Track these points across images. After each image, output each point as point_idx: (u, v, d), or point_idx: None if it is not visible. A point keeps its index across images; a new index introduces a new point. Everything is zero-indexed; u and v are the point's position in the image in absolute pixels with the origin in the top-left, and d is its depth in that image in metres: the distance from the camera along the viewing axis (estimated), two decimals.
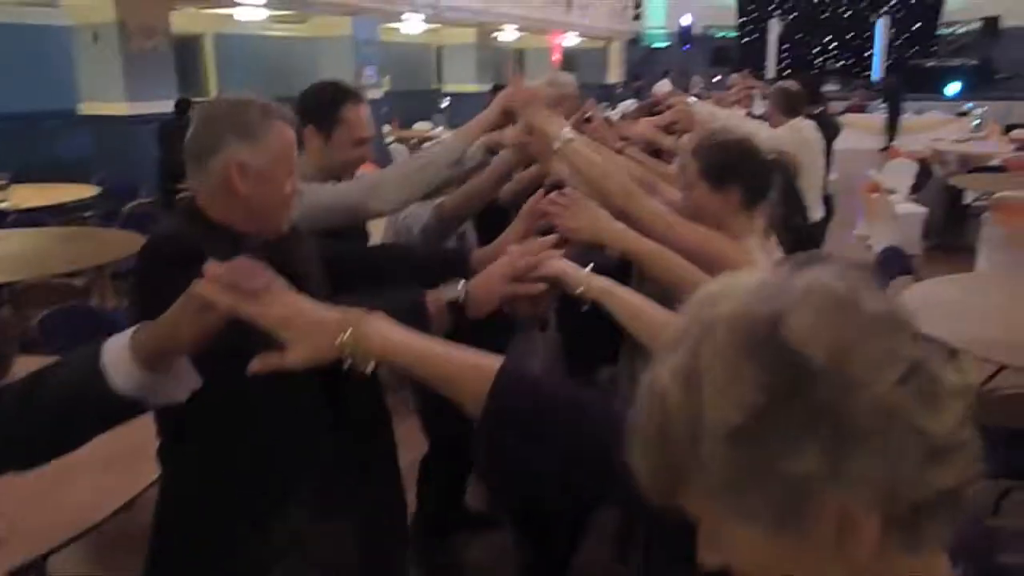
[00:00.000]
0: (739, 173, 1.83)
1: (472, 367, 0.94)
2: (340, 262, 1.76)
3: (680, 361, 0.56)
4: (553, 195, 1.69)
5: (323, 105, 2.04)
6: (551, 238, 1.46)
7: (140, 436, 1.83)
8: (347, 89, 2.10)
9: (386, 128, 11.97)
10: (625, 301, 1.35)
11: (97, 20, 7.92)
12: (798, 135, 3.98)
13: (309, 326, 0.96)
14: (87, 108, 8.31)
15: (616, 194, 1.78)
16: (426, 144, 10.07)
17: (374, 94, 11.41)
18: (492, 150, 2.10)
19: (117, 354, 1.01)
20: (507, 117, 2.01)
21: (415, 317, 1.34)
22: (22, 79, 8.88)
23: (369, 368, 0.96)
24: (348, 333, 0.95)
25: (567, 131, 1.86)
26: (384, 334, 0.96)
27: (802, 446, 0.52)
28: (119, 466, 2.06)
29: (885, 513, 0.52)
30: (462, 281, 1.38)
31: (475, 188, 2.21)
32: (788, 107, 4.20)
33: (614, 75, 21.67)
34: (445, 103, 13.39)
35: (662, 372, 0.56)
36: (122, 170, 7.62)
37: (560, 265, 1.37)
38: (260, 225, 1.46)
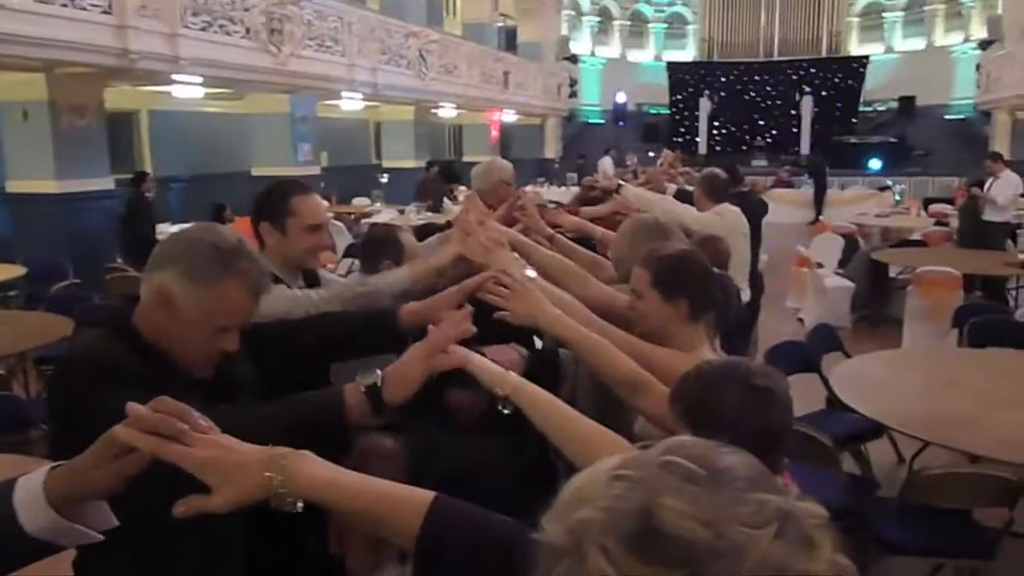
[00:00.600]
0: (689, 286, 1.93)
1: (402, 503, 0.93)
2: (275, 338, 1.75)
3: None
4: (497, 278, 1.72)
5: (274, 201, 2.16)
6: (466, 310, 1.45)
7: None
8: (294, 183, 2.26)
9: (324, 204, 11.95)
10: (539, 401, 1.33)
11: (28, 97, 7.81)
12: (723, 220, 4.10)
13: (234, 467, 0.94)
14: (13, 186, 8.12)
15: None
16: (364, 220, 10.12)
17: (311, 171, 11.43)
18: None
19: (30, 495, 0.96)
20: (460, 260, 2.08)
21: (333, 411, 1.34)
22: None
23: (297, 507, 0.94)
24: (275, 473, 0.93)
25: (529, 272, 1.94)
26: (311, 472, 0.95)
27: None
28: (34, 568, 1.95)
29: None
30: (378, 370, 1.35)
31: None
32: (713, 192, 4.34)
33: (551, 150, 22.18)
34: (384, 179, 13.47)
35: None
36: (50, 250, 7.43)
37: (476, 363, 1.36)
38: (184, 362, 1.41)
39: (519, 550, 0.89)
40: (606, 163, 16.16)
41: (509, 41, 21.31)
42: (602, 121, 24.36)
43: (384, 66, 12.83)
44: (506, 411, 1.33)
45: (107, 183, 8.35)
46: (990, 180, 8.48)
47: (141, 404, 0.95)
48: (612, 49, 25.89)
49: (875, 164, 19.48)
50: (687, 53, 25.85)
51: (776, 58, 24.63)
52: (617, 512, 0.54)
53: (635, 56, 26.02)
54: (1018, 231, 8.97)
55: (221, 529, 1.30)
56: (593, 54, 25.33)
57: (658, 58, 25.72)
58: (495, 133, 19.15)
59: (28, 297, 6.86)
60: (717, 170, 4.64)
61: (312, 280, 2.24)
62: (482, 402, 1.97)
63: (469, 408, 2.05)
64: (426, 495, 0.93)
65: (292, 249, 2.15)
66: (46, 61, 7.22)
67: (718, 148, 21.59)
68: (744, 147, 21.93)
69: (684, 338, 1.89)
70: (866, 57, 23.31)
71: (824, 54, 24.48)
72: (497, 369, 1.36)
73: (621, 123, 21.79)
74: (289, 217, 2.13)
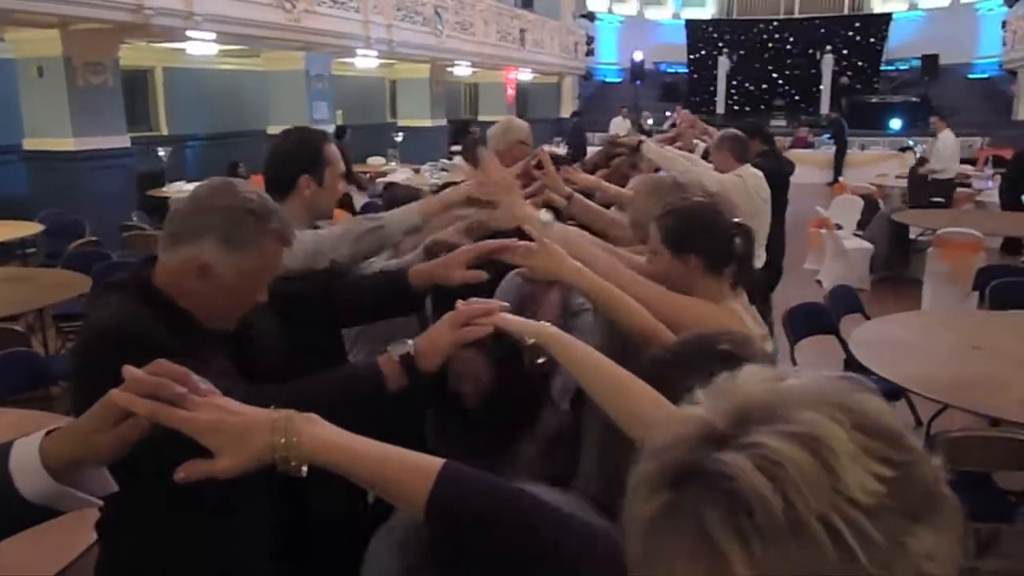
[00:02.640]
0: (700, 240, 1.88)
1: (411, 469, 0.91)
2: (296, 299, 1.76)
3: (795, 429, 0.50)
4: (513, 241, 1.70)
5: (311, 152, 2.12)
6: (493, 302, 1.43)
7: None
8: (321, 131, 2.24)
9: None
10: (573, 349, 1.32)
11: (42, 54, 7.77)
12: (744, 183, 4.03)
13: (238, 431, 0.91)
14: (31, 144, 8.13)
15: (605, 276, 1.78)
16: (379, 179, 10.08)
17: (326, 128, 11.37)
18: (432, 253, 2.12)
19: (26, 460, 0.94)
20: (471, 202, 2.07)
21: (373, 381, 1.37)
22: None
23: (303, 471, 0.92)
24: (280, 436, 0.91)
25: (544, 214, 1.92)
26: (317, 435, 0.92)
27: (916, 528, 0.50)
28: (55, 530, 1.97)
29: None
30: (408, 340, 1.37)
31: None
32: (735, 152, 4.26)
33: (567, 110, 21.92)
34: (399, 138, 13.39)
35: (770, 443, 0.50)
36: (67, 208, 7.45)
37: (504, 318, 1.35)
38: (208, 319, 1.42)
39: (535, 516, 0.89)
40: (617, 123, 15.96)
41: None
42: (619, 80, 24.05)
43: (399, 23, 12.67)
44: (540, 361, 1.31)
45: (123, 141, 8.35)
46: (932, 139, 9.14)
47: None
48: (630, 6, 25.46)
49: (896, 124, 19.17)
50: (706, 11, 25.36)
51: (797, 15, 24.15)
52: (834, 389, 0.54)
53: (653, 13, 25.58)
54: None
55: (244, 489, 1.30)
56: (611, 11, 24.92)
57: (676, 16, 25.28)
58: (511, 92, 18.95)
59: (47, 255, 6.90)
60: (736, 130, 4.55)
61: None
62: (487, 370, 1.95)
63: (476, 376, 2.01)
64: (436, 461, 0.91)
65: (327, 199, 2.15)
66: (61, 17, 7.16)
67: (736, 108, 21.29)
68: (763, 106, 21.60)
69: (705, 293, 1.85)
70: (889, 14, 22.81)
71: (846, 11, 23.98)
72: (529, 320, 1.35)
73: (639, 82, 21.49)
74: (326, 167, 2.11)
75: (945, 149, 9.21)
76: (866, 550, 0.47)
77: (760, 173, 4.23)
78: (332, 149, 2.15)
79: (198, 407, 0.92)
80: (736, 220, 1.93)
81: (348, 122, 13.72)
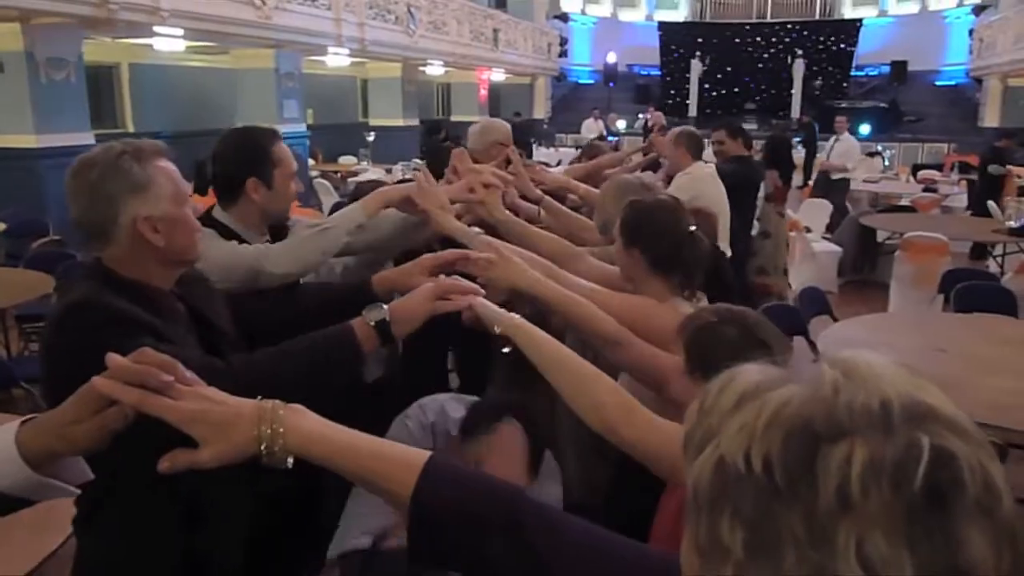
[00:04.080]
0: (645, 237, 1.92)
1: (396, 462, 0.90)
2: (253, 316, 1.75)
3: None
4: (473, 253, 1.70)
5: (257, 153, 2.00)
6: (475, 286, 1.47)
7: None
8: (267, 130, 2.10)
9: (310, 162, 11.81)
10: (538, 340, 1.35)
11: (3, 48, 7.61)
12: (693, 181, 4.00)
13: (222, 421, 0.90)
14: None
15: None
16: (351, 179, 10.01)
17: (297, 128, 11.26)
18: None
19: (1, 451, 0.92)
20: (408, 204, 2.09)
21: (346, 344, 1.41)
22: None
23: (288, 463, 0.91)
24: (266, 428, 0.90)
25: (475, 230, 1.97)
26: (303, 427, 0.91)
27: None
28: (22, 530, 1.93)
29: None
30: (384, 306, 1.42)
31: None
32: (696, 152, 4.28)
33: (540, 110, 21.95)
34: (371, 137, 13.31)
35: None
36: (29, 206, 7.30)
37: (479, 302, 1.39)
38: (179, 262, 1.47)
39: (521, 512, 0.87)
40: (589, 125, 16.00)
41: None
42: (592, 82, 24.11)
43: (371, 21, 12.60)
44: (506, 350, 1.36)
45: (87, 138, 8.17)
46: (833, 138, 9.89)
47: (152, 348, 0.93)
48: (603, 8, 25.55)
49: (865, 129, 19.39)
50: (679, 13, 25.53)
51: (769, 20, 24.38)
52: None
53: (627, 15, 25.70)
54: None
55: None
56: (584, 12, 24.99)
57: (650, 18, 25.41)
58: (484, 92, 18.92)
59: (8, 255, 6.75)
60: (691, 128, 4.60)
61: (281, 234, 2.10)
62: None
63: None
64: (421, 454, 0.90)
65: (278, 202, 2.03)
66: (22, 10, 7.02)
67: (708, 110, 21.42)
68: (735, 110, 21.77)
69: (651, 290, 1.90)
70: (859, 20, 23.10)
71: (817, 17, 24.26)
72: (498, 309, 1.38)
73: (611, 84, 21.56)
74: (275, 168, 1.99)
75: (843, 150, 9.72)
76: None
77: (711, 167, 4.25)
78: (281, 148, 2.03)
79: (183, 396, 0.90)
80: (691, 229, 1.94)
81: (319, 122, 13.61)
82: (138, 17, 7.98)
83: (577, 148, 5.07)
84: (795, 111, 20.32)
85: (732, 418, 0.54)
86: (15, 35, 7.50)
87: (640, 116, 18.81)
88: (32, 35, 7.55)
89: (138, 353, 0.91)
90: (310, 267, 2.04)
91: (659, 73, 23.71)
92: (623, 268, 1.97)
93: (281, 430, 0.90)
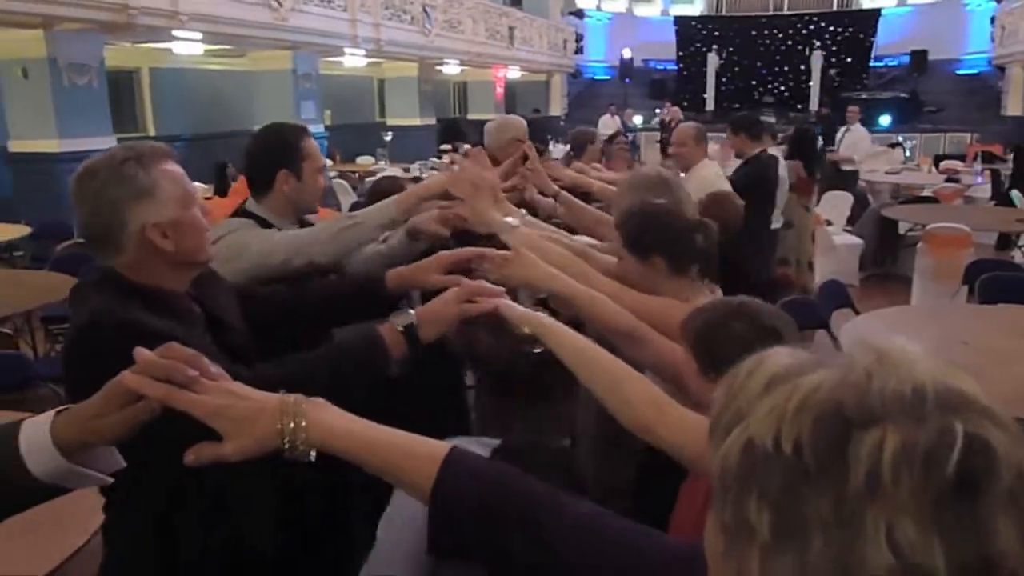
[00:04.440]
0: (660, 242, 1.91)
1: (417, 454, 0.91)
2: (269, 308, 1.79)
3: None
4: (489, 250, 1.70)
5: (288, 147, 2.11)
6: (499, 288, 1.46)
7: (64, 499, 1.76)
8: (296, 126, 2.22)
9: (328, 163, 11.87)
10: (568, 339, 1.33)
11: (27, 55, 7.71)
12: (703, 184, 4.00)
13: (247, 415, 0.92)
14: (15, 146, 8.07)
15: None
16: (368, 179, 10.04)
17: (315, 129, 11.32)
18: (414, 235, 2.16)
19: (36, 438, 0.95)
20: (445, 196, 2.07)
21: (374, 349, 1.42)
22: None
23: (311, 456, 0.92)
24: (289, 421, 0.91)
25: (511, 219, 1.91)
26: (325, 421, 0.93)
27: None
28: (45, 530, 1.96)
29: None
30: (411, 311, 1.43)
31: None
32: (701, 141, 4.29)
33: (556, 107, 21.93)
34: (388, 137, 13.35)
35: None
36: (53, 210, 7.39)
37: (505, 304, 1.38)
38: (190, 264, 1.48)
39: (543, 505, 0.88)
40: (605, 121, 15.96)
41: None
42: (608, 77, 24.05)
43: (387, 22, 12.64)
44: (536, 351, 1.34)
45: (109, 142, 8.26)
46: (844, 128, 9.87)
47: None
48: (618, 4, 25.45)
49: (885, 120, 19.21)
50: (695, 7, 25.38)
51: (786, 11, 24.18)
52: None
53: (642, 11, 25.58)
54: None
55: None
56: (599, 8, 24.92)
57: (665, 13, 25.29)
58: (500, 90, 18.92)
59: (33, 257, 6.85)
60: (697, 124, 4.64)
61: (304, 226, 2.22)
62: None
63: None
64: (443, 446, 0.91)
65: (307, 193, 2.14)
66: (45, 16, 7.10)
67: (726, 104, 21.31)
68: (752, 103, 21.64)
69: (672, 292, 1.87)
70: (878, 10, 22.85)
71: (835, 7, 24.03)
72: (525, 309, 1.37)
73: (627, 80, 21.49)
74: (304, 161, 2.11)
75: (851, 141, 9.70)
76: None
77: (714, 164, 4.27)
78: (309, 143, 2.14)
79: (208, 391, 0.92)
80: (698, 218, 1.94)
81: (336, 122, 13.67)
82: (157, 21, 8.06)
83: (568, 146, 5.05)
84: (813, 103, 20.17)
85: (761, 401, 0.54)
86: (38, 41, 7.60)
87: (656, 111, 18.76)
88: (55, 41, 7.65)
89: (165, 348, 0.93)
90: (341, 256, 2.09)
91: (675, 68, 23.58)
92: (639, 282, 1.89)
93: (304, 424, 0.91)
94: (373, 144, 13.34)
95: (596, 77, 24.48)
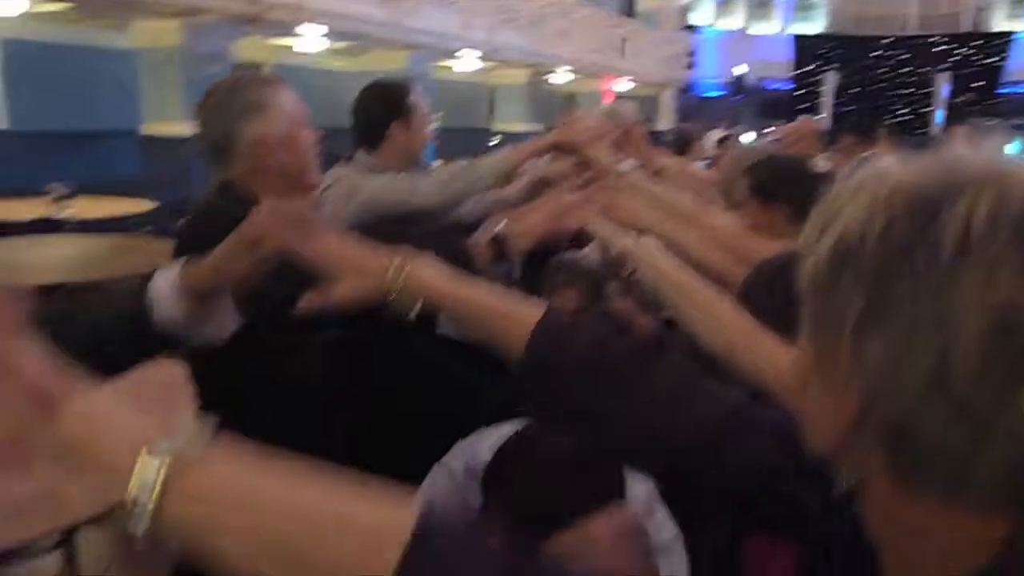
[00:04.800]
0: (785, 189, 1.93)
1: (515, 317, 0.92)
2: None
3: None
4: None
5: (398, 99, 2.23)
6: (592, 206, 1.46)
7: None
8: (404, 80, 2.36)
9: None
10: (658, 262, 1.32)
11: (163, 43, 8.19)
12: None
13: (357, 264, 0.96)
14: (147, 128, 8.56)
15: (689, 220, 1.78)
16: None
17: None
18: (536, 188, 2.17)
19: (165, 286, 1.02)
20: (560, 149, 2.10)
21: (461, 256, 1.41)
22: (88, 98, 9.18)
23: (414, 311, 0.95)
24: (396, 272, 0.94)
25: (627, 163, 1.91)
26: (431, 275, 0.95)
27: None
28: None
29: None
30: (503, 220, 1.44)
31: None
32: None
33: (664, 122, 21.73)
34: (495, 141, 13.52)
35: None
36: (180, 189, 7.80)
37: (597, 221, 1.39)
38: (299, 183, 1.54)
39: (639, 376, 0.87)
40: (713, 135, 15.66)
41: (627, 7, 20.93)
42: (719, 94, 23.70)
43: (501, 26, 12.83)
44: (628, 273, 1.34)
45: None
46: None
47: None
48: (734, 20, 25.09)
49: (1014, 148, 18.23)
50: (815, 26, 24.76)
51: (911, 32, 23.31)
52: None
53: (758, 28, 25.13)
54: None
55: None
56: (714, 25, 24.62)
57: (784, 30, 24.77)
58: (609, 101, 18.90)
59: (158, 231, 7.22)
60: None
61: None
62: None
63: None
64: (538, 311, 0.92)
65: (416, 143, 2.25)
66: (183, 7, 7.53)
67: (840, 126, 20.68)
68: (871, 124, 20.90)
69: (790, 240, 1.83)
70: (1010, 34, 21.77)
71: (964, 29, 23.02)
72: (616, 228, 1.37)
73: (739, 97, 21.13)
74: (413, 112, 2.21)
75: None
76: None
77: None
78: (417, 96, 2.25)
79: (321, 239, 0.97)
80: (818, 171, 1.94)
81: (448, 125, 13.93)
82: (284, 15, 8.42)
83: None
84: (936, 127, 19.36)
85: (854, 198, 0.54)
86: (175, 31, 8.07)
87: (766, 132, 18.34)
88: (190, 31, 8.10)
89: (287, 202, 0.97)
90: (453, 202, 2.13)
91: (789, 86, 23.06)
92: (762, 230, 1.91)
93: (409, 274, 0.94)
94: (481, 148, 13.51)
95: (706, 94, 24.17)
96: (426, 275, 0.95)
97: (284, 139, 1.50)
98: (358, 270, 0.95)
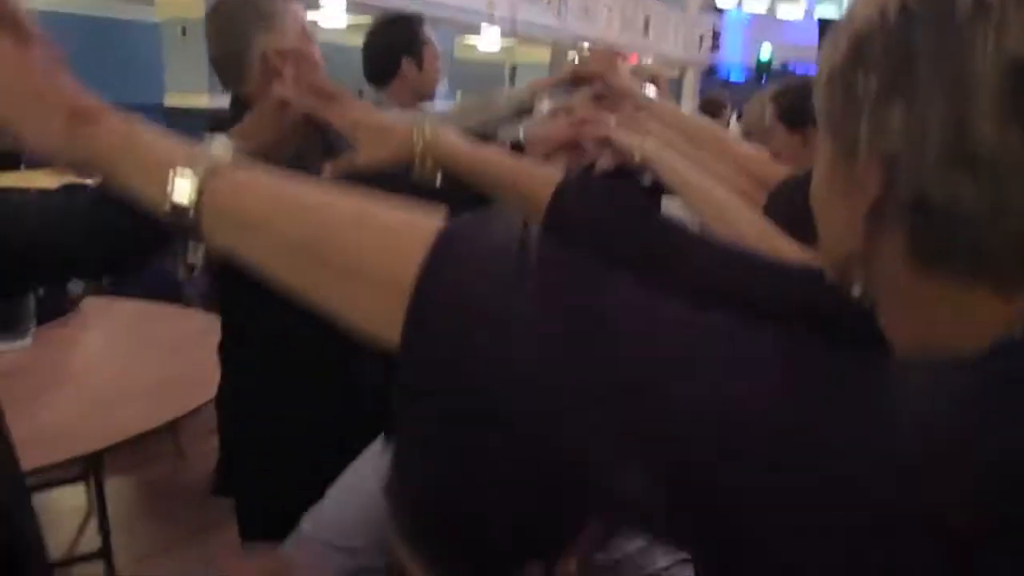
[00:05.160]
0: (808, 115, 1.87)
1: (535, 178, 0.93)
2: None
3: None
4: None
5: (410, 36, 2.20)
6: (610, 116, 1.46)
7: (187, 367, 1.90)
8: (416, 17, 2.29)
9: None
10: (679, 167, 1.33)
11: (187, 15, 8.23)
12: None
13: (383, 128, 0.98)
14: (171, 99, 8.62)
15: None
16: None
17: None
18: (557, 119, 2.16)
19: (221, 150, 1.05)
20: (581, 80, 2.06)
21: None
22: (113, 71, 9.26)
23: (438, 179, 0.97)
24: (419, 136, 0.96)
25: (651, 90, 1.91)
26: (453, 141, 0.97)
27: None
28: (169, 391, 2.10)
29: None
30: (520, 127, 1.44)
31: None
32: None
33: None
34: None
35: None
36: None
37: (616, 130, 1.38)
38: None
39: (657, 228, 0.87)
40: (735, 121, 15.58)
41: None
42: (743, 78, 23.47)
43: (524, 3, 12.77)
44: (648, 181, 1.37)
45: None
46: None
47: None
48: (760, 3, 24.78)
49: None
50: (841, 10, 24.38)
51: None
52: None
53: (785, 12, 24.78)
54: None
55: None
56: (739, 7, 24.34)
57: (809, 13, 24.44)
58: None
59: None
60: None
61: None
62: None
63: None
64: (557, 173, 0.93)
65: (427, 82, 2.22)
66: None
67: None
68: None
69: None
70: None
71: None
72: (637, 138, 1.37)
73: (764, 80, 20.92)
74: (425, 47, 2.18)
75: None
76: None
77: None
78: (427, 31, 2.22)
79: (348, 106, 1.00)
80: None
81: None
82: None
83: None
84: None
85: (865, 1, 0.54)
86: (198, 3, 8.10)
87: None
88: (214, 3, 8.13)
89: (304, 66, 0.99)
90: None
91: (815, 71, 22.77)
92: (789, 156, 1.92)
93: (433, 138, 0.96)
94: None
95: (730, 77, 23.93)
96: (449, 138, 0.97)
97: (294, 53, 1.50)
98: (382, 134, 0.97)
